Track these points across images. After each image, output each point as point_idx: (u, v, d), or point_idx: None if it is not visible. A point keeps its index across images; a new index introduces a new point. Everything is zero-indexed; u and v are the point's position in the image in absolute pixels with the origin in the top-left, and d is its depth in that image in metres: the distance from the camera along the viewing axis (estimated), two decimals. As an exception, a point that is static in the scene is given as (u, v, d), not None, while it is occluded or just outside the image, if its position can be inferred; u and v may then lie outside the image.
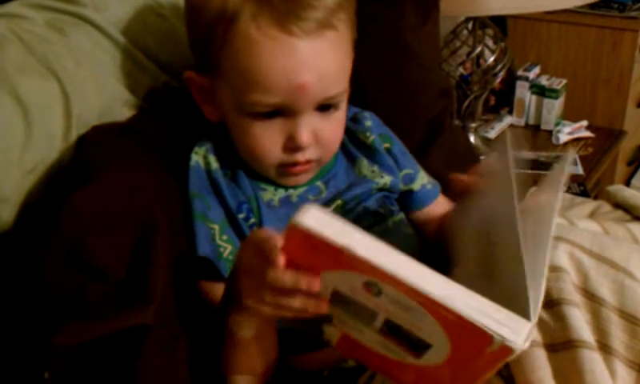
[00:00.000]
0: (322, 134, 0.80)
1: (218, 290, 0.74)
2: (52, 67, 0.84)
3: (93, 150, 0.81)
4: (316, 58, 0.75)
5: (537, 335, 0.65)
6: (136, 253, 0.71)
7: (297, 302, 0.59)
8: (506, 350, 0.52)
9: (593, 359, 0.62)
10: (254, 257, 0.60)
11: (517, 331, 0.51)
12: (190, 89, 0.85)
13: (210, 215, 0.79)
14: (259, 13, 0.73)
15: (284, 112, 0.77)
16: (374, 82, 1.08)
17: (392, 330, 0.59)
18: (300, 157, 0.80)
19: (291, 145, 0.79)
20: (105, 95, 0.88)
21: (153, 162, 0.83)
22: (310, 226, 0.52)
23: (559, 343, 0.64)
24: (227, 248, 0.79)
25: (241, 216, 0.81)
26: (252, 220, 0.82)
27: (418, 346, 0.59)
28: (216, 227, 0.79)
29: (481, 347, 0.53)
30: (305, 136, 0.78)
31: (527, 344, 0.51)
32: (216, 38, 0.76)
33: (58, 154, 0.83)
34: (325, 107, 0.79)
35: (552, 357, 0.64)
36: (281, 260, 0.56)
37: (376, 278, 0.54)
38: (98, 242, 0.70)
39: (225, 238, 0.79)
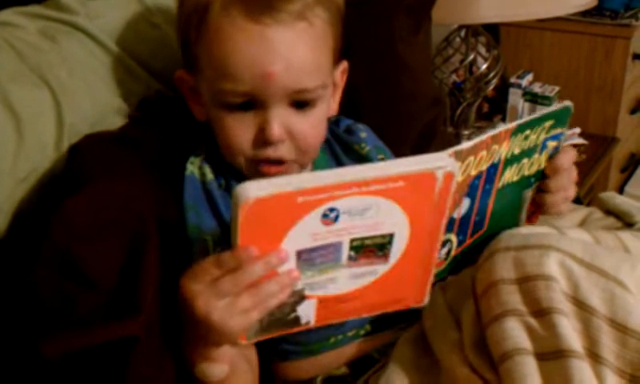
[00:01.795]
0: (296, 130, 0.78)
1: None
2: (44, 76, 0.83)
3: (85, 159, 0.81)
4: (285, 48, 0.74)
5: (527, 343, 0.65)
6: (126, 262, 0.71)
7: (273, 285, 0.61)
8: (449, 176, 0.61)
9: (582, 369, 0.62)
10: (209, 273, 0.62)
11: (443, 158, 0.61)
12: (180, 89, 0.85)
13: (203, 227, 0.79)
14: (230, 4, 0.73)
15: (256, 104, 0.76)
16: (366, 91, 1.09)
17: (359, 249, 0.63)
18: (271, 152, 0.78)
19: (261, 138, 0.77)
20: (97, 104, 0.88)
21: (146, 170, 0.82)
22: (259, 194, 0.55)
23: (548, 352, 0.64)
24: None
25: None
26: None
27: (384, 245, 0.64)
28: (209, 239, 0.78)
29: (429, 193, 0.62)
30: (275, 129, 0.76)
31: (458, 164, 0.63)
32: (192, 31, 0.77)
33: (50, 163, 0.82)
34: (300, 104, 0.78)
35: (541, 365, 0.64)
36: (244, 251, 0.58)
37: (330, 200, 0.58)
38: (88, 250, 0.70)
39: (219, 249, 0.79)
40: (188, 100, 0.85)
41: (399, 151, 0.99)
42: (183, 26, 0.79)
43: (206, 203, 0.81)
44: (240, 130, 0.77)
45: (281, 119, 0.76)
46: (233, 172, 0.84)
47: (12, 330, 0.70)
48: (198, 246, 0.78)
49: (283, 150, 0.78)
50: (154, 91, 0.95)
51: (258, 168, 0.80)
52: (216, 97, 0.77)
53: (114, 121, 0.90)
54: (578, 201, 1.65)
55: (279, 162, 0.79)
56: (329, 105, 0.84)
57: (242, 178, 0.84)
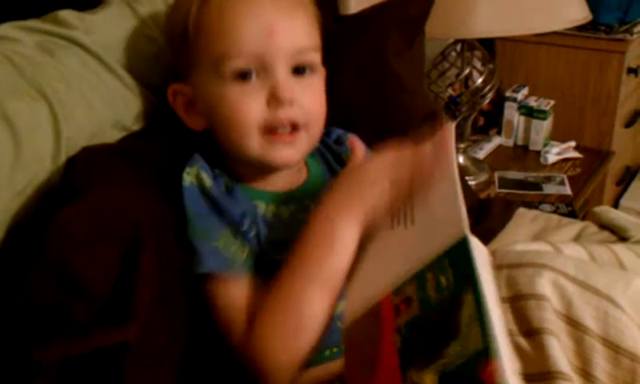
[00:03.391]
0: (301, 99, 0.81)
1: (232, 287, 0.77)
2: (42, 89, 0.84)
3: (81, 170, 0.81)
4: (284, 10, 0.81)
5: (516, 364, 0.65)
6: (122, 270, 0.71)
7: None
8: None
9: (571, 390, 0.62)
10: None
11: None
12: (174, 104, 0.87)
13: (211, 233, 0.79)
14: None
15: (260, 69, 0.80)
16: (359, 105, 1.09)
17: None
18: (283, 114, 0.80)
19: (273, 101, 0.80)
20: (94, 118, 0.89)
21: (143, 180, 0.83)
22: None
23: (537, 373, 0.64)
24: (244, 252, 0.80)
25: (243, 228, 0.81)
26: (252, 231, 0.83)
27: None
28: (220, 243, 0.79)
29: None
30: (286, 89, 0.79)
31: None
32: (190, 23, 0.81)
33: (47, 176, 0.82)
34: (300, 70, 0.82)
35: (530, 387, 0.64)
36: None
37: None
38: (83, 259, 0.70)
39: (233, 248, 0.80)
40: (182, 112, 0.87)
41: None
42: (181, 25, 0.82)
43: (209, 209, 0.81)
44: (249, 100, 0.80)
45: (288, 83, 0.80)
46: (233, 177, 0.86)
47: (7, 338, 0.70)
48: (207, 251, 0.78)
49: (294, 113, 0.81)
50: (151, 105, 0.96)
51: (272, 139, 0.81)
52: (221, 68, 0.80)
53: (112, 134, 0.90)
54: (573, 214, 1.66)
55: (291, 128, 0.82)
56: (324, 81, 0.87)
57: (243, 183, 0.85)
